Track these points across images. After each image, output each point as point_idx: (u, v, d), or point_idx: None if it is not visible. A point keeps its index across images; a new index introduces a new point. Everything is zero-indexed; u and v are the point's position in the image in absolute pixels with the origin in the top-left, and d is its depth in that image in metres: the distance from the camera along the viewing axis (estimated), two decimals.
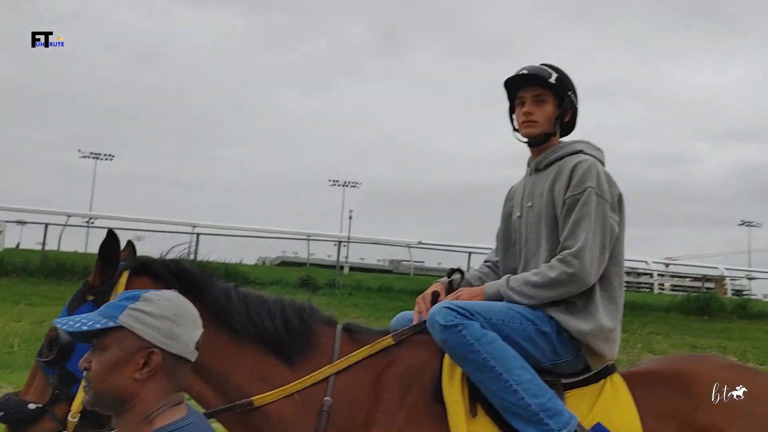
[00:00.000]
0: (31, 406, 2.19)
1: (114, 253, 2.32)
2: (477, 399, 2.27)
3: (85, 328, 1.53)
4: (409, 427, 2.22)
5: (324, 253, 25.43)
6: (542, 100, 2.60)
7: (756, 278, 23.66)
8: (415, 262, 24.60)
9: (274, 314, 2.37)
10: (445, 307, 2.30)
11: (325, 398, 2.24)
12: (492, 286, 2.47)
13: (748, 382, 2.42)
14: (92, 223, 22.09)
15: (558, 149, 2.61)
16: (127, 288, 2.26)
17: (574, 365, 2.41)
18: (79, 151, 54.19)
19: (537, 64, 2.67)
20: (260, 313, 2.37)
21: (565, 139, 2.70)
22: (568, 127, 2.70)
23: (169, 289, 2.20)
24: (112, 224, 19.33)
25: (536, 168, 2.63)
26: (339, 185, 59.05)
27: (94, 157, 54.02)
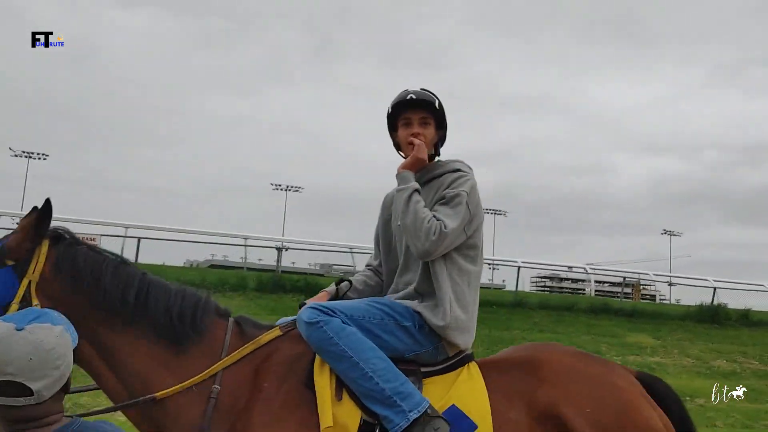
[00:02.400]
0: None
1: (47, 223, 2.41)
2: (343, 385, 2.47)
3: None
4: (284, 412, 2.42)
5: (255, 257, 24.78)
6: (427, 123, 2.80)
7: (676, 284, 25.42)
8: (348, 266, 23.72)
9: (172, 304, 2.52)
10: (310, 307, 2.54)
11: (214, 386, 2.43)
12: (408, 174, 2.72)
13: (588, 366, 2.74)
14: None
15: (438, 167, 2.81)
16: (47, 257, 2.40)
17: (434, 355, 2.64)
18: (10, 149, 52.25)
19: (419, 88, 2.86)
20: (158, 303, 2.51)
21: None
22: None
23: (72, 264, 2.41)
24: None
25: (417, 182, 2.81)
26: (282, 189, 58.76)
27: (26, 157, 51.55)
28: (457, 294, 2.65)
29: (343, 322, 2.50)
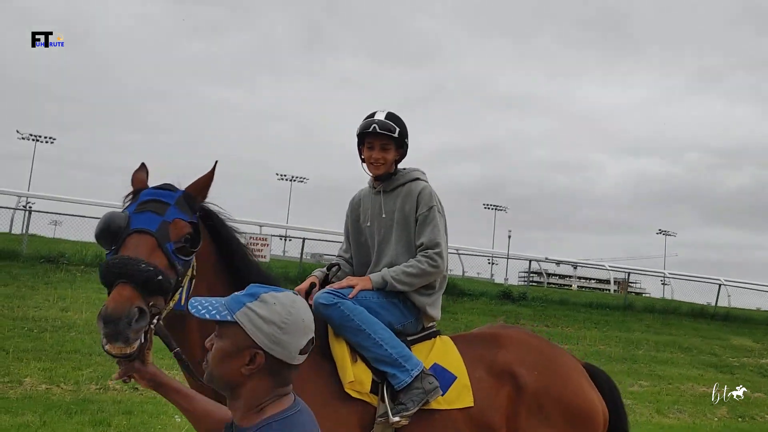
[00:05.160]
0: (172, 280, 2.31)
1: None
2: (355, 352, 3.03)
3: (208, 316, 1.66)
4: (309, 374, 2.73)
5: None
6: (387, 148, 3.33)
7: (668, 284, 27.37)
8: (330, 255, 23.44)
9: (258, 270, 2.88)
10: (325, 292, 3.07)
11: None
12: (377, 275, 3.18)
13: (541, 344, 3.42)
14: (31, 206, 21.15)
15: (401, 177, 3.39)
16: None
17: (415, 326, 3.28)
18: (17, 132, 51.96)
19: (383, 116, 3.32)
20: (252, 266, 2.86)
21: (400, 165, 3.44)
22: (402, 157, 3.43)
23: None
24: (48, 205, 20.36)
25: (384, 190, 3.39)
26: (287, 180, 58.56)
27: (33, 140, 51.59)
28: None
29: (354, 303, 3.05)
